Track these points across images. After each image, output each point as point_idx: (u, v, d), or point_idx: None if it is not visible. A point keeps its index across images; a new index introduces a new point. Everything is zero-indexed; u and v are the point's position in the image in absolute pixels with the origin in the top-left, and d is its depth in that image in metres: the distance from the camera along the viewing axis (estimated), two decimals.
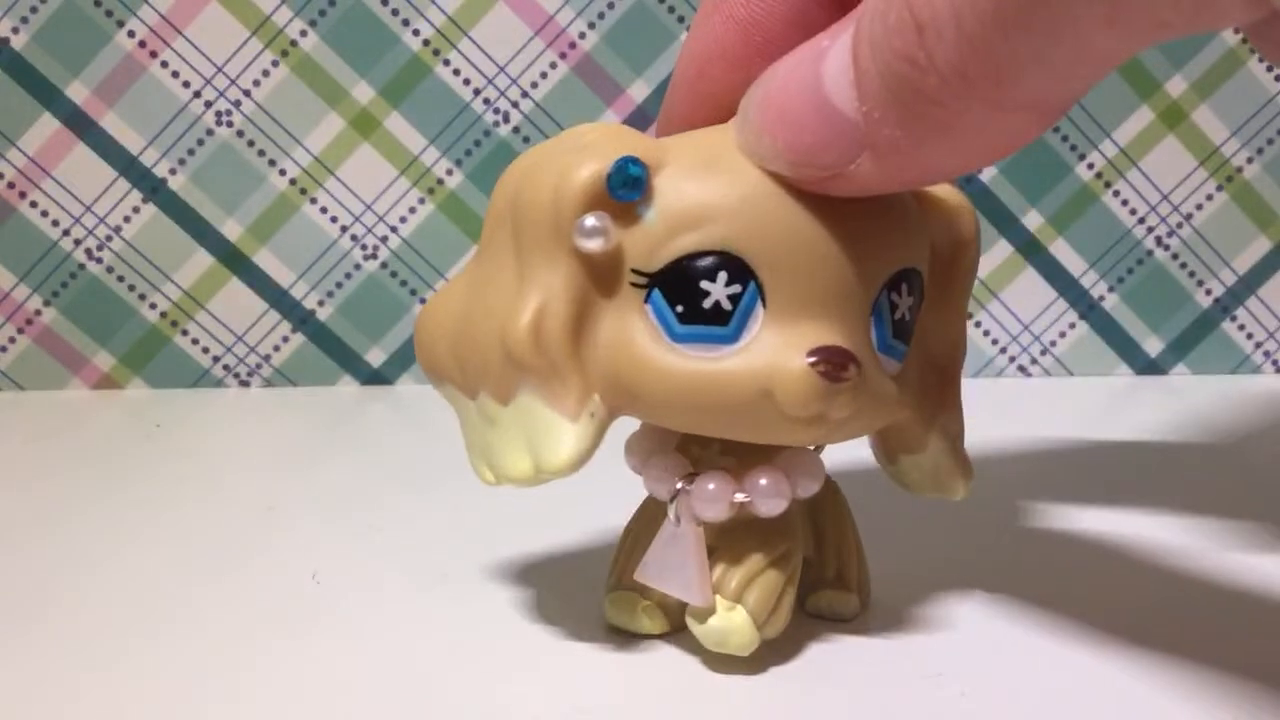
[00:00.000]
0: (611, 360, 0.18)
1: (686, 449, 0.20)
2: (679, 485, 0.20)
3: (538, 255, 0.18)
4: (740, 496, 0.19)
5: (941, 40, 0.14)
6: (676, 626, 0.21)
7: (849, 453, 0.23)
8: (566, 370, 0.18)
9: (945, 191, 0.21)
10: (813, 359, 0.17)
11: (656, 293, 0.18)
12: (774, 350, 0.18)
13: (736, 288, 0.18)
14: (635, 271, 0.18)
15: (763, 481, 0.19)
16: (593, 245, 0.18)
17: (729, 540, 0.20)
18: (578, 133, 0.19)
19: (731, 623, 0.19)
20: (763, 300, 0.18)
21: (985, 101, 0.15)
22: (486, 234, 0.20)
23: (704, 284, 0.18)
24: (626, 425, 0.21)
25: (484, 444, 0.20)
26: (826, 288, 0.18)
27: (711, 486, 0.19)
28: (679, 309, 0.18)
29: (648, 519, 0.21)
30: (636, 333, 0.18)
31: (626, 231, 0.18)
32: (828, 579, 0.22)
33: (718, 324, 0.18)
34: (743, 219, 0.18)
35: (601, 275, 0.18)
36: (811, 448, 0.21)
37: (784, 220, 0.18)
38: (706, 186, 0.18)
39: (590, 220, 0.18)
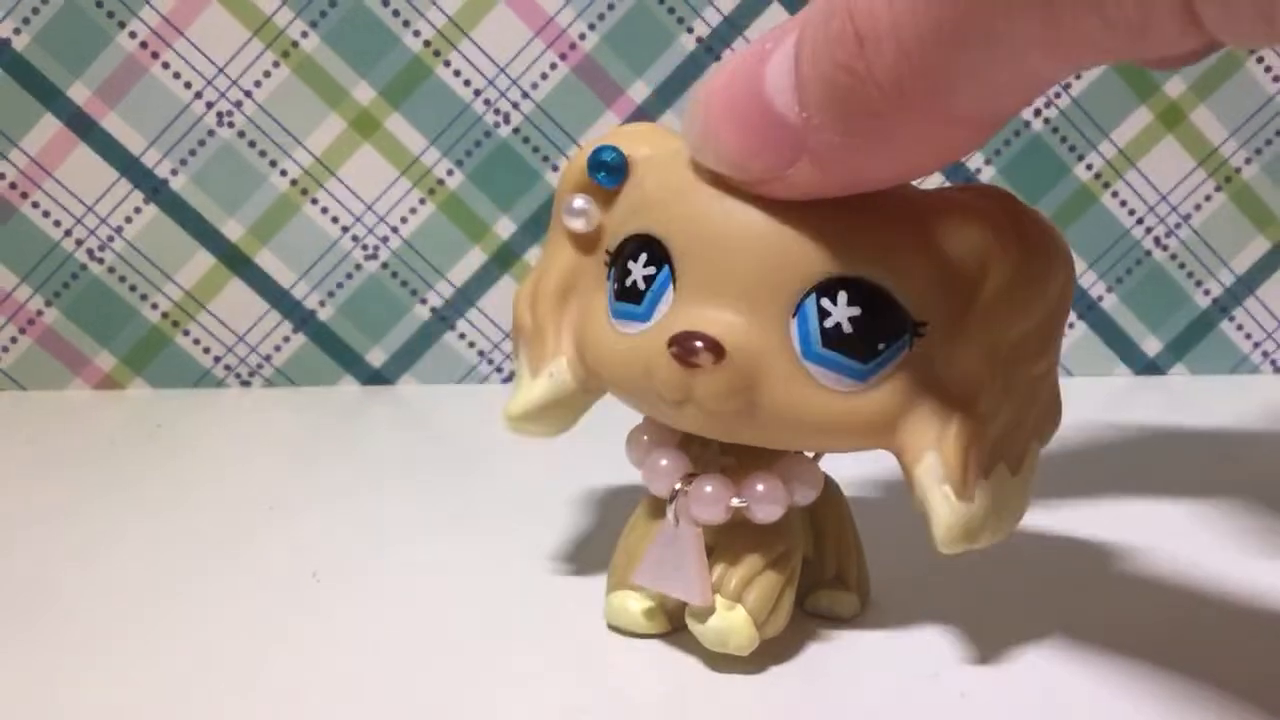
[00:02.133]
0: (578, 329, 0.20)
1: (687, 446, 0.20)
2: (678, 487, 0.20)
3: (552, 232, 0.21)
4: (737, 501, 0.19)
5: (880, 53, 0.15)
6: (676, 626, 0.21)
7: (847, 455, 0.23)
8: (545, 332, 0.21)
9: (977, 202, 0.19)
10: (670, 340, 0.18)
11: (611, 271, 0.20)
12: (659, 332, 0.18)
13: (652, 269, 0.19)
14: (606, 252, 0.20)
15: (760, 487, 0.19)
16: (576, 224, 0.20)
17: (728, 540, 0.20)
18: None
19: (731, 622, 0.19)
20: (674, 285, 0.19)
21: (922, 115, 0.15)
22: None
23: (629, 264, 0.19)
24: (628, 421, 0.21)
25: None
26: (733, 280, 0.18)
27: (709, 489, 0.19)
28: (615, 287, 0.19)
29: (647, 519, 0.21)
30: (598, 308, 0.20)
31: (609, 215, 0.20)
32: (827, 578, 0.22)
33: (635, 302, 0.19)
34: (668, 206, 0.19)
35: (590, 253, 0.21)
36: (810, 455, 0.21)
37: (704, 210, 0.18)
38: (655, 177, 0.19)
39: (576, 201, 0.20)
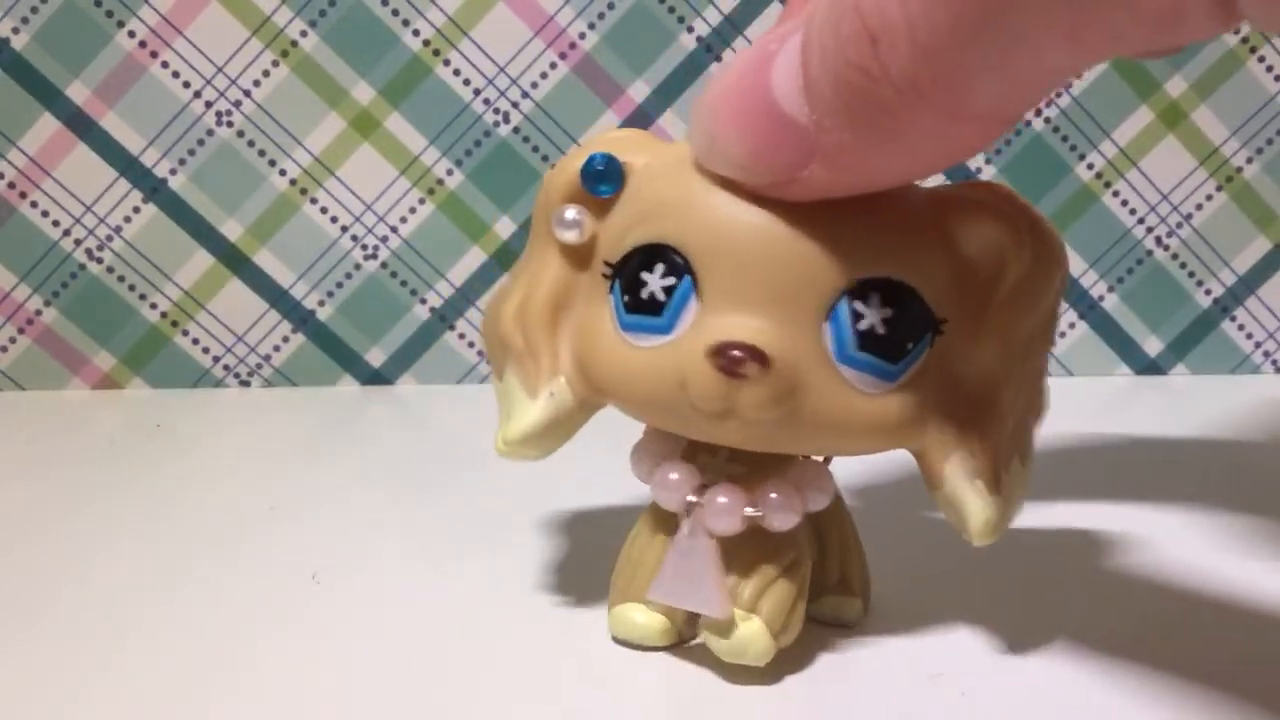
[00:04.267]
0: (578, 344, 0.20)
1: (694, 457, 0.20)
2: (690, 499, 0.20)
3: (536, 242, 0.20)
4: (751, 511, 0.19)
5: (895, 51, 0.14)
6: (685, 638, 0.21)
7: (848, 459, 0.23)
8: (539, 351, 0.20)
9: (989, 198, 0.19)
10: (709, 350, 0.17)
11: (616, 283, 0.19)
12: (691, 342, 0.18)
13: (671, 280, 0.18)
14: (605, 263, 0.19)
15: (774, 495, 0.19)
16: (568, 236, 0.19)
17: (738, 551, 0.20)
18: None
19: (748, 633, 0.19)
20: (698, 294, 0.18)
21: (938, 112, 0.15)
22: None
23: (643, 275, 0.19)
24: (632, 434, 0.21)
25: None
26: (762, 286, 0.18)
27: (723, 500, 0.19)
28: (626, 299, 0.19)
29: (651, 530, 0.21)
30: (600, 321, 0.19)
31: (604, 225, 0.19)
32: (830, 584, 0.21)
33: (653, 314, 0.18)
34: (683, 213, 0.18)
35: (584, 265, 0.20)
36: (820, 460, 0.20)
37: (725, 216, 0.18)
38: (661, 183, 0.19)
39: (567, 213, 0.19)
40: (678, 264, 0.18)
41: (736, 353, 0.17)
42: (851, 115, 0.15)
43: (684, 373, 0.18)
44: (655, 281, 0.18)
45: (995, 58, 0.14)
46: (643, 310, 0.18)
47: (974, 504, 0.19)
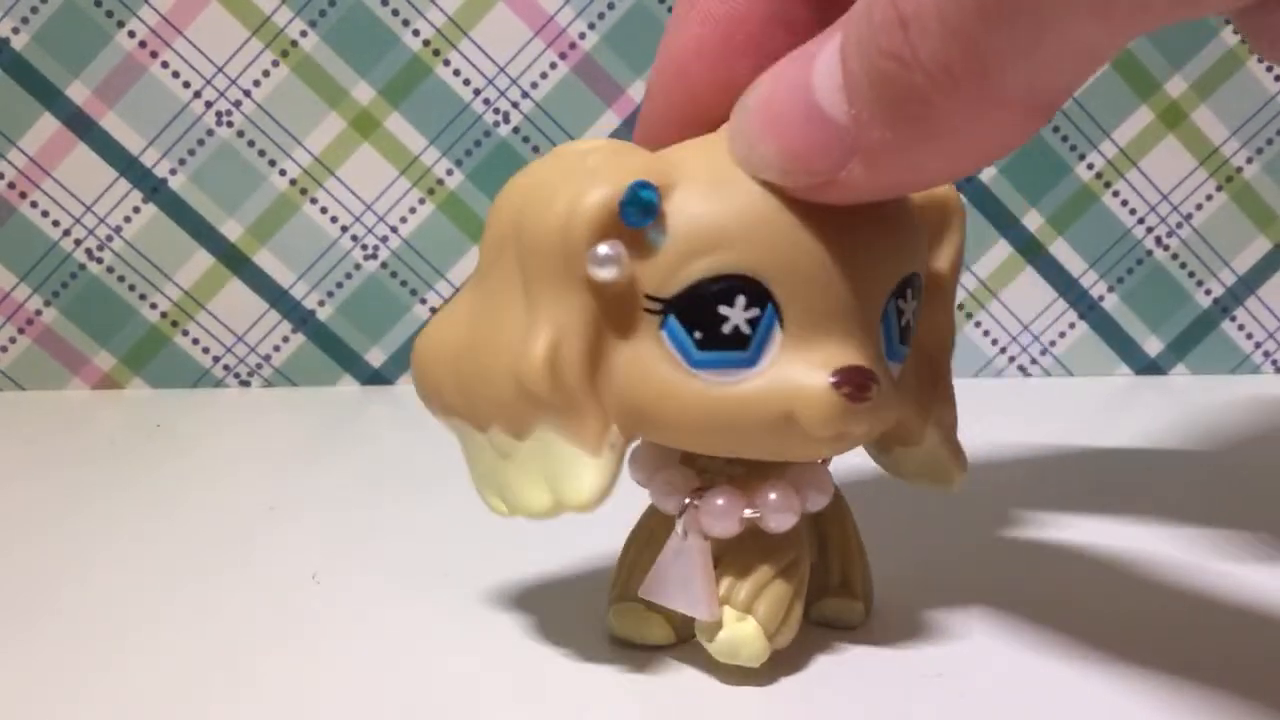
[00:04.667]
0: (628, 389, 0.18)
1: (692, 460, 0.20)
2: (687, 500, 0.19)
3: (547, 285, 0.18)
4: (749, 512, 0.19)
5: (926, 35, 0.14)
6: (683, 637, 0.21)
7: (848, 457, 0.23)
8: (584, 404, 0.18)
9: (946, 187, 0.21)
10: (835, 380, 0.17)
11: (672, 319, 0.18)
12: (795, 372, 0.18)
13: (755, 311, 0.17)
14: (649, 298, 0.18)
15: (773, 496, 0.19)
16: (607, 274, 0.18)
17: (736, 551, 0.20)
18: (579, 153, 0.19)
19: (742, 634, 0.19)
20: (780, 321, 0.18)
21: (972, 98, 0.15)
22: (487, 258, 0.19)
23: (722, 309, 0.17)
24: None
25: (498, 477, 0.19)
26: (839, 304, 0.18)
27: (720, 502, 0.19)
28: (697, 335, 0.18)
29: (651, 528, 0.21)
30: (653, 360, 0.18)
31: (638, 256, 0.18)
32: (832, 586, 0.21)
33: (738, 348, 0.18)
34: (757, 241, 0.17)
35: (613, 302, 0.18)
36: (819, 460, 0.20)
37: (795, 239, 0.17)
38: (718, 208, 0.18)
39: (604, 249, 0.17)
40: (757, 294, 0.17)
41: (866, 379, 0.17)
42: (887, 106, 0.15)
43: (793, 403, 0.17)
44: (738, 315, 0.17)
45: (1025, 36, 0.14)
46: (724, 345, 0.18)
47: (957, 458, 0.21)
